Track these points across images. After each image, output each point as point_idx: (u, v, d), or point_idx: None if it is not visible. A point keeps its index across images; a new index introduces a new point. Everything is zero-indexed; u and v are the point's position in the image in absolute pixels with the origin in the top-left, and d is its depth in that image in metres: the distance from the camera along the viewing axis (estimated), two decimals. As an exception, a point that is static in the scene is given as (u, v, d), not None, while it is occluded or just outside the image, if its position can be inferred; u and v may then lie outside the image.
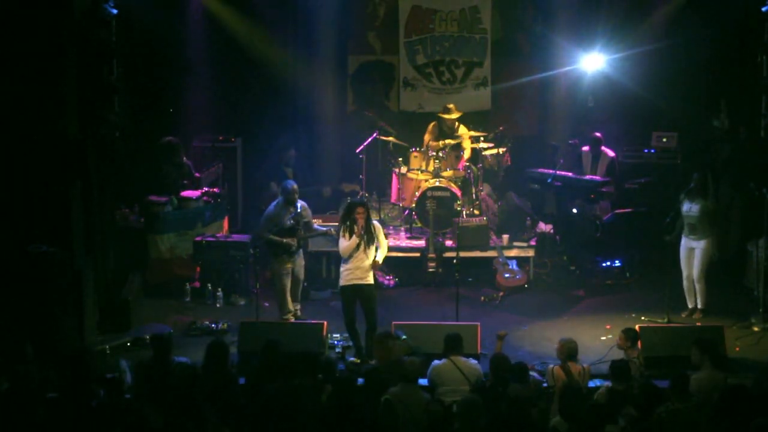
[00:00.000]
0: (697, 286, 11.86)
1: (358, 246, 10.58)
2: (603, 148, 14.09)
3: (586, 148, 14.22)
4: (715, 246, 11.89)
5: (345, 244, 10.62)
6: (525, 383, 8.68)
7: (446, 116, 14.19)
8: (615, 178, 14.06)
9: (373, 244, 10.68)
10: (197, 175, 13.68)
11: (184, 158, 13.69)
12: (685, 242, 11.87)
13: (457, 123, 14.36)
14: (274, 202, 11.61)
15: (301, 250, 11.63)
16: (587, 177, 13.94)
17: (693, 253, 11.81)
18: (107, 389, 8.21)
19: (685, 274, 11.94)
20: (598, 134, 14.12)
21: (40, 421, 7.75)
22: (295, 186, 11.47)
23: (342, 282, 10.72)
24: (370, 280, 10.69)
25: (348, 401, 8.06)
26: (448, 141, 14.02)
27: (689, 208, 11.75)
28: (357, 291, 10.65)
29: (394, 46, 15.74)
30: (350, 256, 10.60)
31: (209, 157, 14.68)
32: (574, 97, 15.12)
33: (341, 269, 10.75)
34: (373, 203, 14.53)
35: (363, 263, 10.62)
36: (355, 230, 10.57)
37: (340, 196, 14.65)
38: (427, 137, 14.36)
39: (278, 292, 11.54)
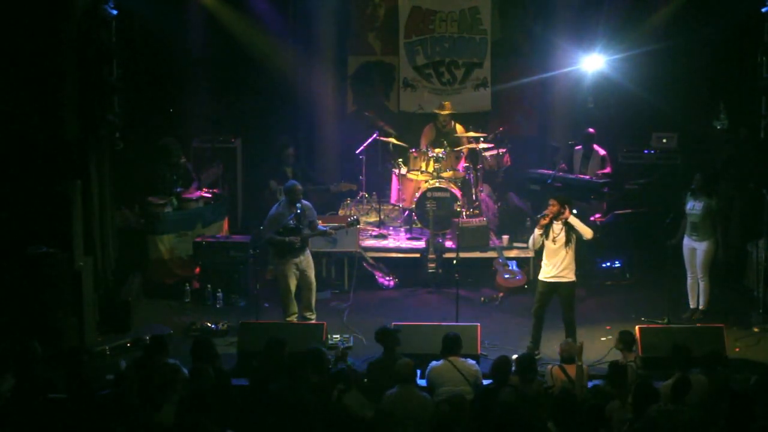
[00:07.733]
0: (701, 285, 11.84)
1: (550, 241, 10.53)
2: (595, 146, 14.03)
3: (578, 147, 14.18)
4: (717, 247, 11.89)
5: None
6: (527, 382, 8.64)
7: (440, 111, 14.22)
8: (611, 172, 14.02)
9: (570, 240, 10.54)
10: (195, 185, 13.59)
11: (183, 159, 13.62)
12: (688, 242, 11.86)
13: (452, 120, 14.38)
14: (277, 203, 11.58)
15: (308, 252, 11.51)
16: (587, 177, 13.92)
17: (695, 253, 11.79)
18: (107, 389, 8.21)
19: (690, 273, 11.92)
20: (591, 130, 14.04)
21: (43, 421, 7.75)
22: (298, 186, 11.41)
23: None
24: (569, 277, 10.61)
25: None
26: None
27: (692, 206, 11.74)
28: (553, 288, 10.64)
29: (394, 46, 15.73)
30: (542, 251, 10.63)
31: (209, 158, 14.67)
32: (574, 98, 15.09)
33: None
34: (373, 204, 14.55)
35: (554, 258, 10.57)
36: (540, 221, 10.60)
37: (337, 195, 14.63)
38: (423, 141, 14.37)
39: (282, 292, 11.43)
